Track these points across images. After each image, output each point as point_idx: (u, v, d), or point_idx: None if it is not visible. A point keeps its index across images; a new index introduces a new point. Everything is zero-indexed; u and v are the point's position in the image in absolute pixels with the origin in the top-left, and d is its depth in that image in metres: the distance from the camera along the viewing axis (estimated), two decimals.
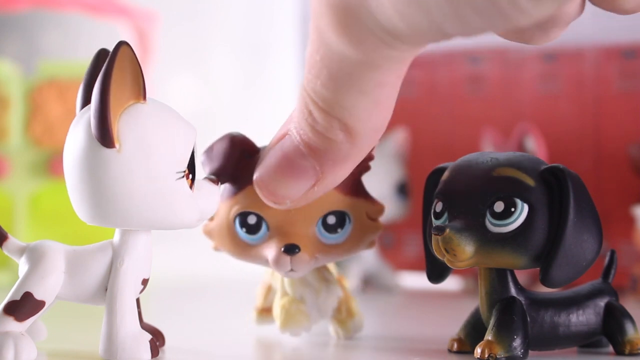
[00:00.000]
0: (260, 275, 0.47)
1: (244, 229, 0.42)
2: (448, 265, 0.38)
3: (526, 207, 0.37)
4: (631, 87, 0.65)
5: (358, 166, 0.42)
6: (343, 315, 0.44)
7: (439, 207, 0.39)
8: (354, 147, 0.37)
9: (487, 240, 0.37)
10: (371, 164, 0.44)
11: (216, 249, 0.43)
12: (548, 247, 0.37)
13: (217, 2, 1.04)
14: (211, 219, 0.43)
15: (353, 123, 0.36)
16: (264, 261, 0.42)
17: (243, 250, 0.42)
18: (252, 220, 0.42)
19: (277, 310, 0.44)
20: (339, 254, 0.42)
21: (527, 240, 0.37)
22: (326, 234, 0.42)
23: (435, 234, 0.37)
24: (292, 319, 0.43)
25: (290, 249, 0.41)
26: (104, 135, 0.35)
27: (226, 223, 0.42)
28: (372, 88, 0.35)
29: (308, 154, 0.37)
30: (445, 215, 0.38)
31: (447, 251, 0.37)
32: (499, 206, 0.37)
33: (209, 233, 0.43)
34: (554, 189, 0.37)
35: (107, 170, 0.36)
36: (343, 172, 0.38)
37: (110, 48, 0.36)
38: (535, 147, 0.60)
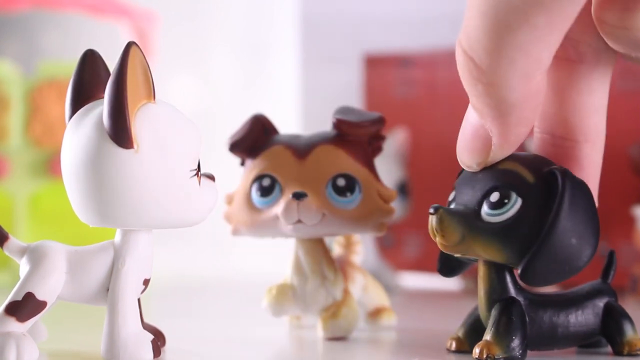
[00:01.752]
0: (260, 275, 0.47)
1: (259, 193, 0.45)
2: (440, 248, 0.38)
3: (520, 201, 0.37)
4: (631, 87, 0.65)
5: (371, 145, 0.45)
6: (328, 314, 0.45)
7: (451, 196, 0.39)
8: (496, 98, 0.34)
9: (477, 228, 0.37)
10: None
11: (234, 231, 0.46)
12: (533, 245, 0.37)
13: (217, 2, 1.03)
14: (229, 203, 0.46)
15: (488, 66, 0.34)
16: (274, 220, 0.44)
17: (258, 216, 0.44)
18: (266, 182, 0.45)
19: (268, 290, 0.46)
20: (346, 221, 0.44)
21: (514, 234, 0.37)
22: (336, 196, 0.44)
23: (430, 213, 0.38)
24: (274, 299, 0.46)
25: (299, 195, 0.43)
26: (123, 136, 0.35)
27: (244, 193, 0.45)
28: (508, 33, 0.33)
29: (476, 114, 0.36)
30: (454, 203, 0.39)
31: (437, 232, 0.37)
32: (494, 196, 0.37)
33: (228, 216, 0.46)
34: (553, 190, 0.37)
35: (124, 171, 0.35)
36: (508, 128, 0.36)
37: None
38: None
